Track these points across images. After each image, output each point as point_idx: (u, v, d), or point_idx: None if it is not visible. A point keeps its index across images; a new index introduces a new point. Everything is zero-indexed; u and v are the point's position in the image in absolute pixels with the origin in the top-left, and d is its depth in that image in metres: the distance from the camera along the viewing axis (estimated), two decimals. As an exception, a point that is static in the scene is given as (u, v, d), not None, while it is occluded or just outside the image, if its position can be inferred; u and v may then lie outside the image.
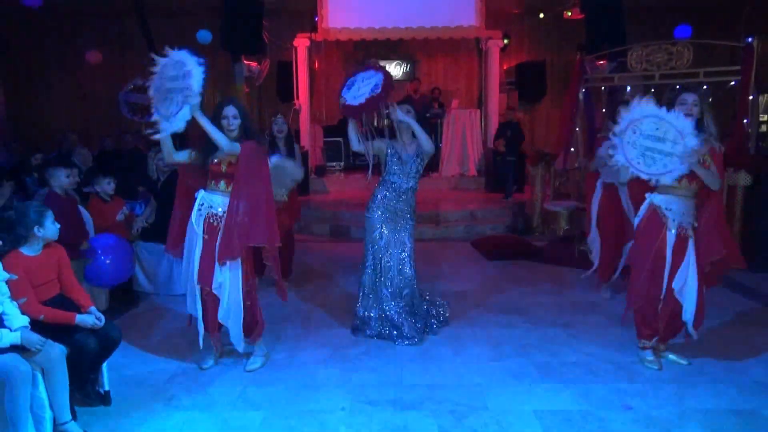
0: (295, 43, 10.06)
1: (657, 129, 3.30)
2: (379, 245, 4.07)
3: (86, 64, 11.05)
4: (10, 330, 2.63)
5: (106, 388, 3.14)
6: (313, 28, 10.14)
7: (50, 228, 2.92)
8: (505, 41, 10.51)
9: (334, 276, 5.70)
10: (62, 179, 4.23)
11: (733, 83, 7.15)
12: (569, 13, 10.08)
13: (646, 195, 3.51)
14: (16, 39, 11.10)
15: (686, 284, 3.45)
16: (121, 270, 4.01)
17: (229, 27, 8.40)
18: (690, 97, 3.36)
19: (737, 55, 7.19)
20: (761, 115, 11.89)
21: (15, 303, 2.75)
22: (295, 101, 9.87)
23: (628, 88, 8.93)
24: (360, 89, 3.91)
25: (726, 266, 3.62)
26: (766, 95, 11.85)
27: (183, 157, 3.52)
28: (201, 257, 3.43)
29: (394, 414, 3.04)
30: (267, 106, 11.46)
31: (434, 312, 4.29)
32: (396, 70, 11.80)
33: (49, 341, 2.69)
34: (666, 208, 3.43)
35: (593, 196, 4.83)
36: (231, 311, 3.45)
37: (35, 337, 2.63)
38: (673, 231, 3.40)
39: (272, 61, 10.51)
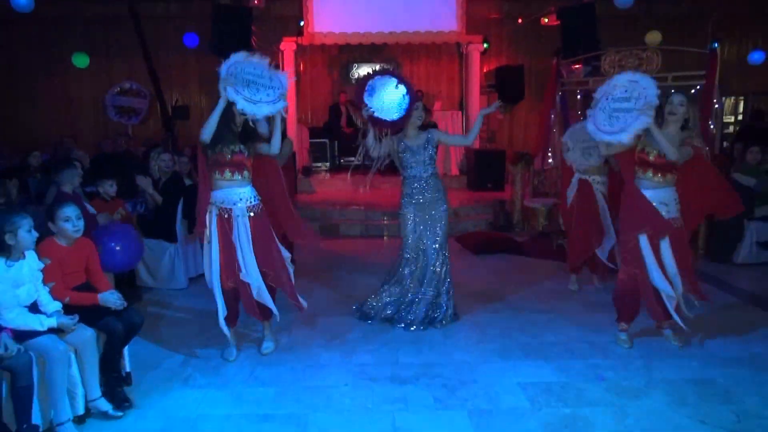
0: (282, 47, 10.34)
1: (626, 91, 3.59)
2: (413, 238, 4.28)
3: (73, 68, 11.18)
4: (46, 315, 2.88)
5: (128, 369, 3.40)
6: (299, 32, 10.41)
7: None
8: (485, 45, 10.91)
9: (326, 270, 5.99)
10: (70, 179, 4.46)
11: (698, 87, 7.61)
12: (546, 20, 10.51)
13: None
14: (1, 44, 11.17)
15: (667, 265, 3.71)
16: (132, 254, 4.23)
17: (218, 32, 8.62)
18: (676, 98, 3.68)
19: (705, 60, 7.64)
20: (727, 117, 12.50)
21: (46, 288, 3.01)
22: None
23: (590, 110, 9.40)
24: (385, 100, 4.10)
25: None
26: (731, 98, 12.47)
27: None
28: (221, 252, 3.61)
29: (393, 388, 3.37)
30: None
31: (449, 311, 4.37)
32: (380, 73, 12.10)
33: (81, 324, 2.95)
34: (660, 203, 3.66)
35: (568, 190, 5.10)
36: (261, 290, 3.69)
37: (69, 321, 2.90)
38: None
39: (259, 64, 10.75)
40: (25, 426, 2.62)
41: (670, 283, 3.72)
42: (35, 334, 2.81)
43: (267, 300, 3.72)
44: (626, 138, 3.57)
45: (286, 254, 3.87)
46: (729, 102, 12.54)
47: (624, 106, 3.59)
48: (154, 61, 9.59)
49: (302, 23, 10.32)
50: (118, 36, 11.41)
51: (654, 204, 3.67)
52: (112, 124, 11.61)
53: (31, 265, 2.95)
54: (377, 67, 11.96)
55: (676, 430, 2.90)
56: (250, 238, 3.64)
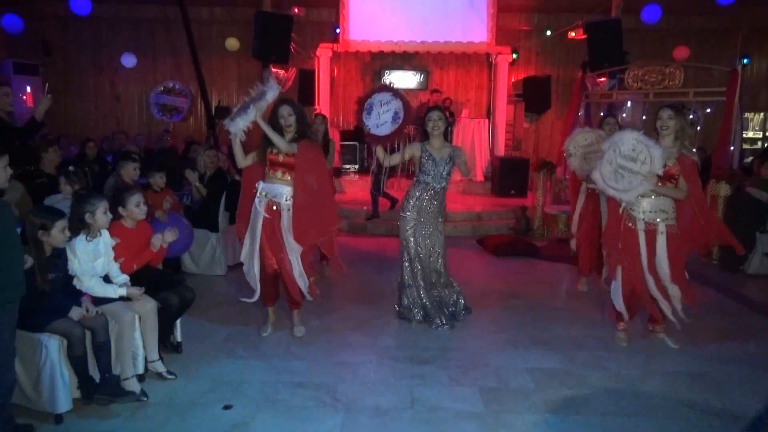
0: (318, 53, 10.83)
1: (633, 150, 3.80)
2: (412, 242, 4.44)
3: (121, 67, 11.86)
4: (117, 285, 3.36)
5: (179, 339, 3.87)
6: (335, 39, 10.91)
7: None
8: (514, 56, 11.24)
9: (353, 264, 6.40)
10: (130, 171, 4.97)
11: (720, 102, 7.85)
12: (573, 34, 10.80)
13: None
14: (57, 44, 11.91)
15: (662, 272, 3.95)
16: (184, 242, 4.71)
17: (260, 38, 9.14)
18: (665, 113, 3.95)
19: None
20: (756, 133, 12.57)
21: (116, 264, 3.49)
22: (316, 107, 10.61)
23: (628, 104, 9.67)
24: (381, 116, 4.22)
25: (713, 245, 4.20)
26: (761, 114, 12.54)
27: (249, 161, 4.16)
28: (263, 240, 4.05)
29: (413, 366, 3.76)
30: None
31: (462, 302, 4.68)
32: (411, 79, 12.53)
33: (145, 295, 3.42)
34: (660, 210, 3.92)
35: (578, 199, 5.40)
36: (300, 275, 4.09)
37: (136, 290, 3.37)
38: (642, 228, 3.95)
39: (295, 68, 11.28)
40: (107, 375, 3.09)
41: (666, 289, 3.98)
42: (108, 301, 3.28)
43: (303, 283, 4.12)
44: (631, 198, 3.85)
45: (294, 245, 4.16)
46: (757, 117, 12.62)
47: (629, 166, 3.79)
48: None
49: (338, 30, 10.81)
50: (163, 37, 12.10)
51: (651, 212, 3.93)
52: (155, 121, 12.27)
53: (106, 242, 3.44)
54: (409, 74, 12.51)
55: (666, 412, 3.22)
56: (291, 231, 4.06)
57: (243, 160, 4.14)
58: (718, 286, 5.79)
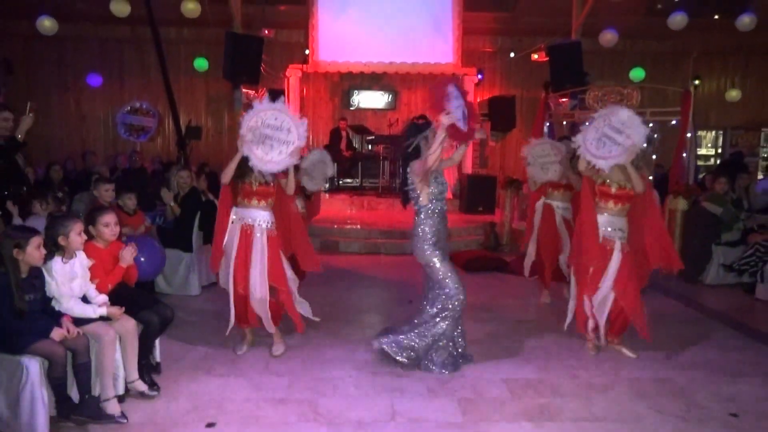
0: (287, 73, 10.96)
1: (623, 123, 3.97)
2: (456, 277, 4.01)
3: (86, 87, 11.74)
4: (97, 306, 3.35)
5: (158, 359, 3.86)
6: (305, 60, 11.05)
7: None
8: (479, 76, 11.58)
9: (326, 282, 6.46)
10: (102, 192, 4.96)
11: (674, 122, 8.26)
12: (536, 56, 11.20)
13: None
14: (21, 62, 11.72)
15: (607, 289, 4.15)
16: (155, 265, 4.71)
17: (231, 58, 9.21)
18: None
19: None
20: (708, 150, 13.18)
21: (92, 284, 3.48)
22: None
23: (587, 123, 10.05)
24: (456, 112, 3.67)
25: (665, 268, 4.40)
26: (712, 132, 13.17)
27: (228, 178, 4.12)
28: (236, 262, 4.07)
29: (392, 379, 3.84)
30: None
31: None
32: (379, 99, 12.75)
33: (125, 315, 3.42)
34: (617, 229, 4.15)
35: (534, 215, 5.67)
36: (262, 301, 4.10)
37: (116, 310, 3.37)
38: (600, 241, 4.18)
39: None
40: (87, 396, 3.08)
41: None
42: (87, 321, 3.27)
43: (263, 313, 4.11)
44: (605, 166, 4.05)
45: (291, 275, 4.33)
46: (709, 135, 13.25)
47: (614, 137, 3.98)
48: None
49: (307, 52, 10.96)
50: (131, 57, 12.04)
51: (610, 229, 4.17)
52: (121, 140, 12.12)
53: (82, 263, 3.43)
54: (377, 95, 12.70)
55: (634, 417, 3.38)
56: (266, 254, 4.11)
57: (230, 177, 4.09)
58: (678, 296, 6.06)
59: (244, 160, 4.03)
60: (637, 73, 11.18)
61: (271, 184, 4.17)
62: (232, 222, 4.15)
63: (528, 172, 5.64)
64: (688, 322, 5.24)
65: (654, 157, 9.96)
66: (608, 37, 9.94)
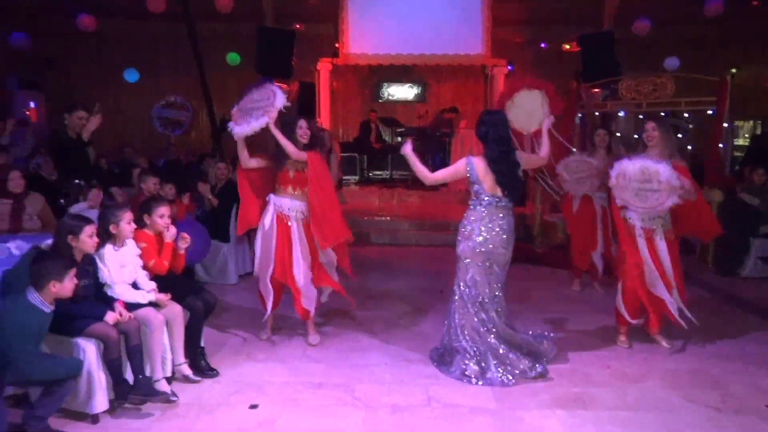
0: (318, 67, 11.06)
1: (642, 174, 4.03)
2: None
3: (125, 83, 12.06)
4: (146, 292, 3.52)
5: (202, 344, 4.02)
6: (335, 53, 11.14)
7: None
8: (509, 67, 11.50)
9: (359, 272, 6.51)
10: (150, 185, 5.15)
11: (710, 112, 8.10)
12: (568, 47, 11.08)
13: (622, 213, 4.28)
14: (59, 58, 12.09)
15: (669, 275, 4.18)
16: (201, 248, 4.91)
17: (263, 53, 9.35)
18: (649, 125, 4.25)
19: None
20: (745, 140, 12.88)
21: (144, 272, 3.65)
22: (318, 119, 10.82)
23: (621, 113, 9.93)
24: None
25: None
26: (750, 122, 12.85)
27: (254, 164, 4.33)
28: (276, 250, 4.23)
29: (426, 367, 3.94)
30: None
31: None
32: (408, 92, 12.79)
33: (171, 301, 3.58)
34: (658, 217, 4.16)
35: (573, 206, 5.79)
36: (307, 289, 4.27)
37: (163, 296, 3.53)
38: (642, 236, 4.17)
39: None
40: (140, 377, 3.25)
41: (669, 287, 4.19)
42: (137, 306, 3.44)
43: (311, 295, 4.28)
44: (665, 209, 4.05)
45: (332, 256, 4.44)
46: (747, 125, 12.92)
47: (648, 187, 4.02)
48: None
49: (337, 45, 11.05)
50: (166, 52, 12.30)
51: (651, 220, 4.18)
52: (157, 134, 12.45)
53: (132, 251, 3.60)
54: (407, 87, 12.75)
55: (668, 407, 3.40)
56: (305, 242, 4.26)
57: (247, 161, 4.26)
58: (713, 289, 6.00)
59: (281, 150, 4.15)
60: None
61: (306, 171, 4.24)
62: (272, 205, 4.27)
63: (565, 187, 5.78)
64: (724, 315, 5.20)
65: (689, 147, 9.81)
66: (641, 26, 9.78)
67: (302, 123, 4.28)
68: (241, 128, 4.12)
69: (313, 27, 11.74)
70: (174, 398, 3.35)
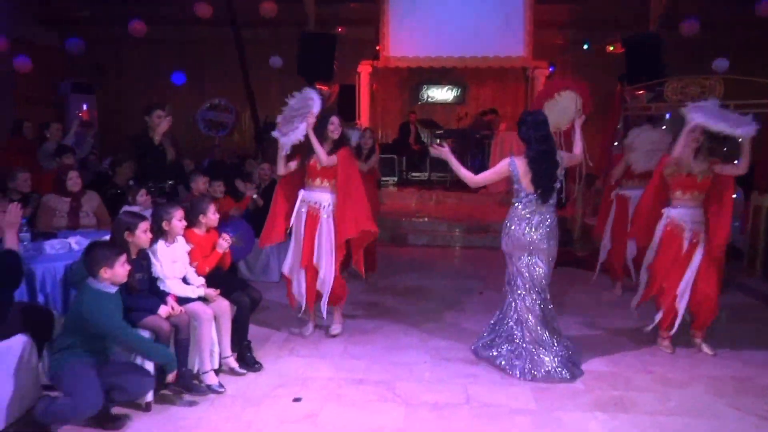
0: (359, 69, 11.20)
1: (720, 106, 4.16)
2: None
3: (170, 85, 12.45)
4: (196, 287, 3.67)
5: (248, 338, 4.15)
6: (375, 56, 11.26)
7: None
8: (551, 69, 11.39)
9: (398, 271, 6.66)
10: (200, 184, 5.34)
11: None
12: (612, 48, 10.91)
13: (663, 210, 4.28)
14: (111, 63, 12.59)
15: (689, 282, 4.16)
16: (249, 244, 5.09)
17: (305, 55, 9.53)
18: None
19: (769, 88, 7.87)
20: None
21: (192, 267, 3.80)
22: (357, 121, 10.94)
23: (667, 115, 9.72)
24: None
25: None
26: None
27: (292, 165, 4.43)
28: (304, 241, 4.37)
29: (465, 366, 3.98)
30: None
31: None
32: (447, 94, 12.81)
33: (219, 296, 3.72)
34: (681, 219, 4.18)
35: (611, 208, 5.85)
36: (326, 282, 4.38)
37: (212, 291, 3.68)
38: (687, 238, 4.16)
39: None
40: (184, 369, 3.39)
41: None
42: (187, 301, 3.59)
43: (327, 289, 4.37)
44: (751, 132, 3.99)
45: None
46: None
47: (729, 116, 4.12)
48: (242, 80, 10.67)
49: (378, 47, 11.16)
50: (210, 56, 12.65)
51: (696, 224, 4.16)
52: (201, 136, 12.79)
53: (182, 247, 3.76)
54: (446, 89, 12.78)
55: (712, 413, 3.36)
56: (332, 236, 4.36)
57: (283, 168, 4.42)
58: (761, 295, 5.84)
59: (307, 143, 4.28)
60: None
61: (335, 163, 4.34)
62: (300, 204, 4.40)
63: (628, 157, 5.69)
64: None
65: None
66: (690, 26, 9.56)
67: (334, 119, 4.38)
68: (288, 138, 4.28)
69: (354, 30, 11.88)
70: (221, 390, 3.49)
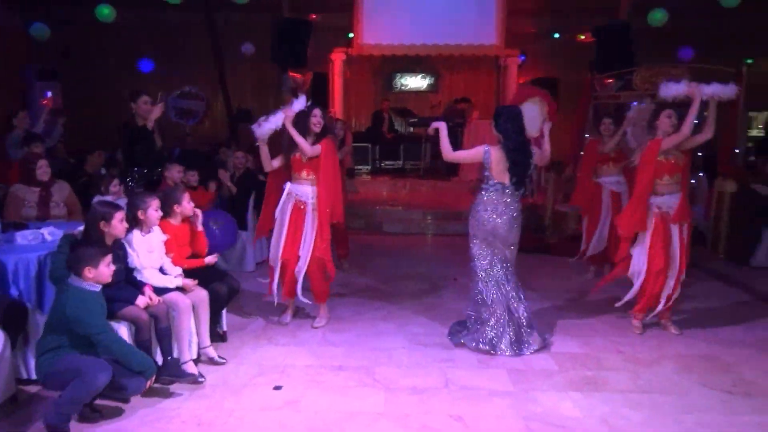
0: (332, 57, 11.12)
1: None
2: None
3: (140, 73, 12.18)
4: (173, 277, 3.64)
5: (224, 328, 4.15)
6: (348, 43, 11.20)
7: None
8: (521, 58, 11.50)
9: (372, 259, 6.70)
10: (174, 173, 5.26)
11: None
12: (582, 37, 11.06)
13: (650, 201, 4.33)
14: (76, 48, 12.23)
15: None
16: (229, 236, 5.05)
17: (279, 42, 9.42)
18: (672, 112, 4.33)
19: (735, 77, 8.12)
20: (759, 131, 12.82)
21: (168, 258, 3.77)
22: (331, 109, 10.89)
23: (634, 103, 9.93)
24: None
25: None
26: (765, 112, 12.80)
27: (276, 163, 4.48)
28: (288, 233, 4.39)
29: (442, 351, 4.05)
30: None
31: None
32: (421, 82, 12.84)
33: (197, 285, 3.71)
34: (668, 207, 4.28)
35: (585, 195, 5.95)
36: (302, 270, 4.39)
37: (190, 282, 3.66)
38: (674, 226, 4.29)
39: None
40: (169, 358, 3.39)
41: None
42: (165, 291, 3.56)
43: (300, 280, 4.41)
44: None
45: None
46: (761, 116, 12.86)
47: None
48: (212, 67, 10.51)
49: (351, 35, 11.10)
50: (180, 43, 12.41)
51: (668, 207, 4.29)
52: (171, 124, 12.56)
53: (158, 237, 3.72)
54: (419, 77, 12.80)
55: (680, 390, 3.49)
56: (315, 230, 4.37)
57: (269, 165, 4.46)
58: (725, 278, 6.06)
59: (288, 137, 4.31)
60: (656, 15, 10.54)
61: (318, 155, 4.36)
62: (286, 197, 4.41)
63: (629, 133, 5.73)
64: (735, 304, 5.26)
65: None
66: (658, 17, 9.75)
67: (316, 112, 4.37)
68: (261, 129, 4.31)
69: (327, 17, 11.79)
70: (201, 379, 3.48)
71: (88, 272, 2.99)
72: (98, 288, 3.06)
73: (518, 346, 4.02)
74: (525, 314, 4.16)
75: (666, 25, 10.18)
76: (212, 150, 8.87)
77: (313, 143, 4.35)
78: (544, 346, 4.11)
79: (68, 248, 3.19)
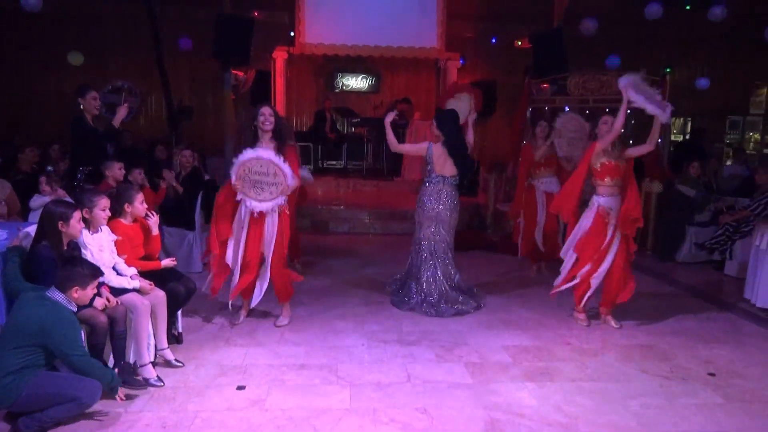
0: (274, 55, 11.02)
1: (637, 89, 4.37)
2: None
3: (69, 65, 11.57)
4: (129, 278, 3.54)
5: (180, 330, 4.07)
6: (290, 42, 11.12)
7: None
8: (461, 61, 11.81)
9: (323, 260, 6.71)
10: (116, 171, 5.06)
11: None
12: (519, 43, 11.48)
13: (593, 198, 4.62)
14: (2, 39, 11.48)
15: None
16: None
17: (220, 38, 9.22)
18: (609, 118, 4.62)
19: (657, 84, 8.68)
20: (675, 135, 13.76)
21: (121, 258, 3.66)
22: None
23: (566, 108, 10.43)
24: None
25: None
26: (680, 118, 13.76)
27: None
28: (249, 236, 4.33)
29: (401, 347, 4.14)
30: (244, 112, 12.29)
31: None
32: (362, 82, 12.92)
33: (156, 287, 3.61)
34: (609, 207, 4.55)
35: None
36: (267, 271, 4.38)
37: (147, 284, 3.56)
38: (612, 225, 4.55)
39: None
40: (122, 362, 3.28)
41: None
42: (122, 292, 3.46)
43: (265, 283, 4.40)
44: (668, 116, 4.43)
45: None
46: (678, 122, 13.81)
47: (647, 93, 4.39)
48: (148, 61, 10.14)
49: (293, 34, 11.03)
50: (113, 35, 11.90)
51: (611, 207, 4.55)
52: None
53: (107, 236, 3.60)
54: (360, 78, 12.87)
55: (624, 377, 3.75)
56: (276, 231, 4.34)
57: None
58: (654, 273, 6.49)
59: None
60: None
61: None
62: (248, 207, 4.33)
63: (555, 144, 6.07)
64: (665, 297, 5.66)
65: (631, 142, 10.37)
66: (588, 26, 10.29)
67: (265, 110, 4.23)
68: (266, 204, 4.24)
69: (269, 15, 11.65)
70: (159, 383, 3.40)
71: (75, 292, 2.94)
72: (75, 308, 2.97)
73: (439, 308, 4.81)
74: (457, 277, 5.04)
75: (596, 33, 10.75)
76: (150, 147, 8.57)
77: (275, 147, 4.25)
78: (478, 307, 4.94)
79: (18, 259, 3.08)
